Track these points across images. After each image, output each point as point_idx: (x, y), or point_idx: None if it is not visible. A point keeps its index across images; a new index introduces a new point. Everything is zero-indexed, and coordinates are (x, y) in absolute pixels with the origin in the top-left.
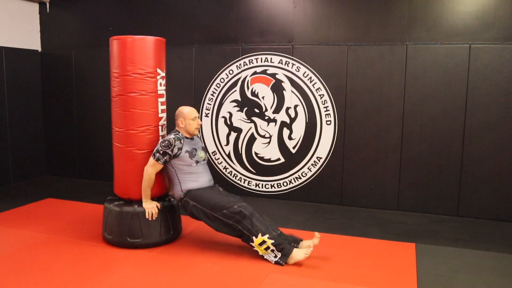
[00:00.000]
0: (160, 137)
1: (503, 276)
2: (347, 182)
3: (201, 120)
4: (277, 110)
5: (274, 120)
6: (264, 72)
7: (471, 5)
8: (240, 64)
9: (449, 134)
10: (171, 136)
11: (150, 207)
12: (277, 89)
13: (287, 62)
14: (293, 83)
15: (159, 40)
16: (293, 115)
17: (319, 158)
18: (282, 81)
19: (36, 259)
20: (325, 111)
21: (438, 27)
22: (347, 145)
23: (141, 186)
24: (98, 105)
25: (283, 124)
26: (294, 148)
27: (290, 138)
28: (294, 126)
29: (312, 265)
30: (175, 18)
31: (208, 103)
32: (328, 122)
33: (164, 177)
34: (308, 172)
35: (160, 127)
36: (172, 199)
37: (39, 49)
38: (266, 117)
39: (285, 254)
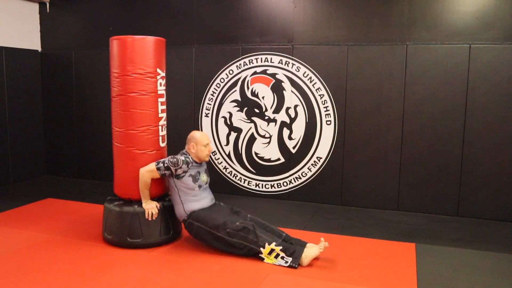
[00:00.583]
0: (160, 137)
1: (503, 276)
2: (347, 182)
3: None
4: (277, 110)
5: (274, 120)
6: (264, 72)
7: (471, 5)
8: (240, 64)
9: (449, 134)
10: (182, 157)
11: (150, 207)
12: (277, 89)
13: (287, 62)
14: (293, 83)
15: (159, 40)
16: (293, 115)
17: (319, 158)
18: (282, 81)
19: (36, 259)
20: (325, 111)
21: (438, 27)
22: (347, 145)
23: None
24: (98, 105)
25: (283, 124)
26: (294, 148)
27: (290, 138)
28: (294, 126)
29: (312, 265)
30: (175, 18)
31: (208, 103)
32: (328, 122)
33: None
34: (308, 172)
35: (160, 127)
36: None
37: (39, 49)
38: (266, 117)
39: (296, 257)
